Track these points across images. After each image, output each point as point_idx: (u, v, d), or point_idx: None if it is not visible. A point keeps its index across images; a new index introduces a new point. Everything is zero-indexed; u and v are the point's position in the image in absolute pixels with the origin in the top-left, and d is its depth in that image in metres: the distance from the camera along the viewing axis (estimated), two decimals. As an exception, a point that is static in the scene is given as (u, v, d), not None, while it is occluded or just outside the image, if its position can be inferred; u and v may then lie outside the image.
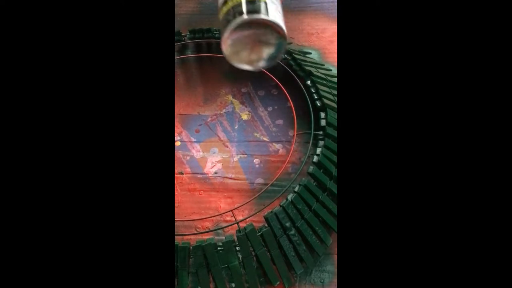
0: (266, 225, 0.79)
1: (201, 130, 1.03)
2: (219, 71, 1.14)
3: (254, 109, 1.05)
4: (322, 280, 0.78)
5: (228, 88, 1.10)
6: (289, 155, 0.93)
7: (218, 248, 0.77)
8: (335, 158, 0.86)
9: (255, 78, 1.10)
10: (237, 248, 0.77)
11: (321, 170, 0.85)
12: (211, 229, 0.86)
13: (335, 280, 0.78)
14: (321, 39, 1.19)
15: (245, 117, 1.04)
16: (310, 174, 0.84)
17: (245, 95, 1.08)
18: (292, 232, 0.78)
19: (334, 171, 0.84)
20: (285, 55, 1.07)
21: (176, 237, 0.81)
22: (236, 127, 1.03)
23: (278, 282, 0.76)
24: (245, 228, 0.78)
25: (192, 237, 0.84)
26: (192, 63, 1.18)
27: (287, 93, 1.01)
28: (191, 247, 0.77)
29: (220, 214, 0.88)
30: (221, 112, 1.06)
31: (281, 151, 0.98)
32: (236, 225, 0.81)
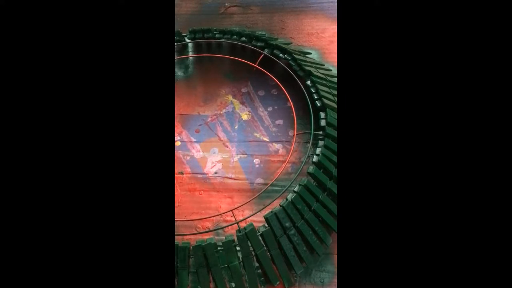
0: (266, 225, 0.79)
1: (201, 130, 1.03)
2: (219, 71, 1.14)
3: (254, 109, 1.05)
4: (322, 280, 0.78)
5: (228, 88, 1.10)
6: (289, 155, 0.93)
7: (218, 248, 0.77)
8: (335, 158, 0.86)
9: (255, 78, 1.10)
10: (237, 248, 0.77)
11: (321, 170, 0.85)
12: (211, 229, 0.86)
13: (335, 280, 0.78)
14: (321, 39, 1.19)
15: (245, 117, 1.04)
16: (310, 174, 0.84)
17: (245, 95, 1.08)
18: (292, 232, 0.78)
19: (334, 171, 0.84)
20: (285, 55, 1.08)
21: (176, 237, 0.81)
22: (236, 127, 1.03)
23: (278, 282, 0.77)
24: (245, 228, 0.78)
25: (192, 237, 0.84)
26: (192, 63, 1.18)
27: (287, 93, 1.01)
28: (191, 247, 0.77)
29: (220, 214, 0.88)
30: (221, 112, 1.06)
31: (281, 151, 0.98)
32: (236, 225, 0.81)
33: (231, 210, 0.85)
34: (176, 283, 0.74)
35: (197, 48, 1.20)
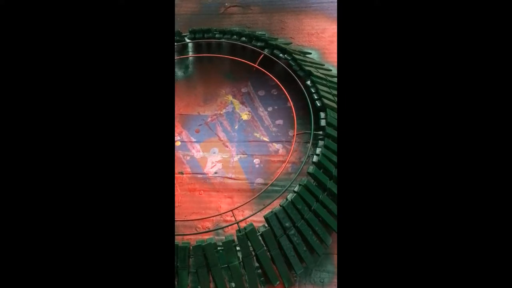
0: (266, 225, 0.79)
1: (201, 130, 1.03)
2: (219, 71, 1.14)
3: (254, 109, 1.05)
4: (322, 280, 0.78)
5: (228, 88, 1.10)
6: (289, 155, 0.93)
7: (218, 248, 0.77)
8: (335, 158, 0.86)
9: (255, 78, 1.10)
10: (237, 248, 0.77)
11: (321, 170, 0.85)
12: (211, 229, 0.86)
13: (335, 280, 0.78)
14: (321, 39, 1.19)
15: (245, 117, 1.04)
16: (310, 174, 0.84)
17: (245, 95, 1.08)
18: (292, 232, 0.78)
19: (334, 171, 0.84)
20: (285, 55, 1.08)
21: (176, 237, 0.81)
22: (236, 127, 1.03)
23: (278, 282, 0.76)
24: (245, 228, 0.78)
25: (192, 237, 0.84)
26: (192, 63, 1.18)
27: (287, 93, 1.01)
28: (191, 247, 0.77)
29: (220, 214, 0.88)
30: (221, 112, 1.06)
31: (281, 151, 0.98)
32: (236, 225, 0.81)
33: (231, 210, 0.85)
34: (176, 283, 0.74)
35: (197, 48, 1.20)
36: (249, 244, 0.76)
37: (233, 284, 0.76)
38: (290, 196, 0.81)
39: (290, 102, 1.00)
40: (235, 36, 1.14)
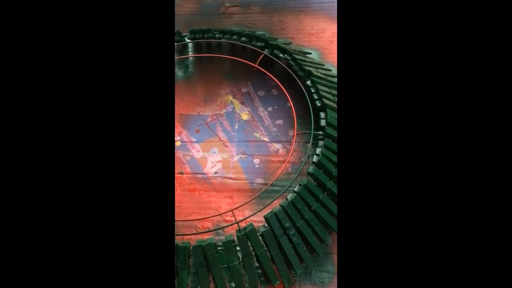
0: (266, 225, 0.79)
1: (201, 130, 1.03)
2: (219, 71, 1.14)
3: (254, 109, 1.05)
4: (322, 280, 0.78)
5: (228, 88, 1.10)
6: (289, 155, 0.93)
7: (218, 248, 0.77)
8: (335, 158, 0.86)
9: (255, 78, 1.10)
10: (237, 248, 0.77)
11: (321, 170, 0.85)
12: (211, 229, 0.86)
13: (335, 280, 0.78)
14: (321, 39, 1.19)
15: (245, 117, 1.04)
16: (310, 174, 0.84)
17: (245, 95, 1.08)
18: (292, 232, 0.78)
19: (334, 171, 0.84)
20: (285, 55, 1.07)
21: (176, 237, 0.81)
22: (236, 127, 1.03)
23: (278, 282, 0.76)
24: (245, 228, 0.78)
25: (192, 237, 0.84)
26: (192, 63, 1.18)
27: (287, 93, 1.01)
28: (191, 247, 0.77)
29: (220, 214, 0.88)
30: (221, 112, 1.06)
31: (281, 151, 0.98)
32: (236, 225, 0.81)
33: (231, 210, 0.85)
34: (176, 283, 0.74)
35: (197, 48, 1.20)
36: (249, 244, 0.76)
37: (233, 284, 0.76)
38: (290, 196, 0.81)
39: (290, 102, 1.00)
40: (235, 36, 1.14)
